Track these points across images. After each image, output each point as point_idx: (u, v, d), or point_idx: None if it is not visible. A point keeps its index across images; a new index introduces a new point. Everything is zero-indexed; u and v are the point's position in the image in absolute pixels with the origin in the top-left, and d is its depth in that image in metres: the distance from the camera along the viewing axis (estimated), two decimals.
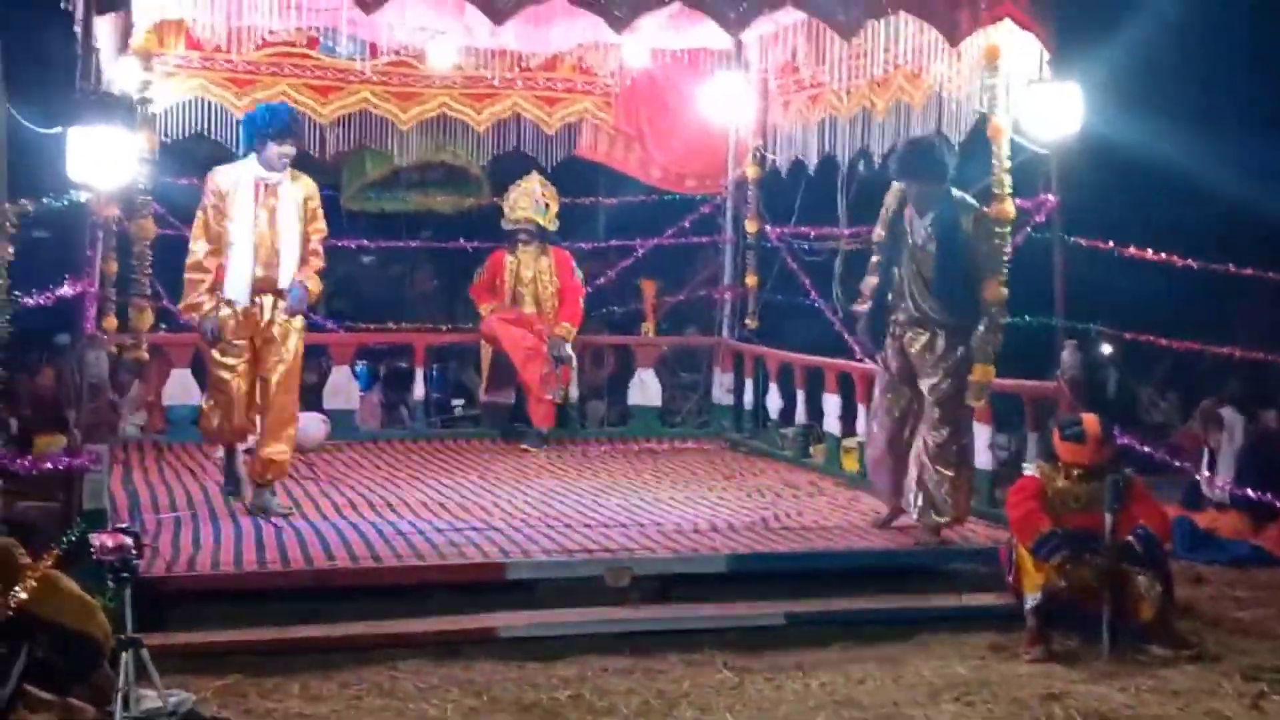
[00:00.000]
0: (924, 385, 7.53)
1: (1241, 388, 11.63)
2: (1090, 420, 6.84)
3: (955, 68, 8.41)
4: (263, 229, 7.72)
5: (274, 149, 7.69)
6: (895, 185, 7.67)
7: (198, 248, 7.72)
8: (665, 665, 6.22)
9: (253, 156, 7.77)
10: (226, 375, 7.80)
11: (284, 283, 7.78)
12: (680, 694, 5.87)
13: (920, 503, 7.55)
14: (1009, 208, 7.84)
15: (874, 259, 7.78)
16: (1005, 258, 7.57)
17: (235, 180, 7.74)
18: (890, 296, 7.63)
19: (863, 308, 7.83)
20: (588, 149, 11.48)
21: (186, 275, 7.74)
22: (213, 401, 7.94)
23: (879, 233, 7.75)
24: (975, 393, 7.58)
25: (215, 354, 7.79)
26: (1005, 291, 7.56)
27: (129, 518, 7.42)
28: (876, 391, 7.85)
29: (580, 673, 6.10)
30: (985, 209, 7.54)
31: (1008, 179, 7.90)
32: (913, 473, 7.59)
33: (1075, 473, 6.76)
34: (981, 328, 7.51)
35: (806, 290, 10.54)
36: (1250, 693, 5.94)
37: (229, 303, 7.71)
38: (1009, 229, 7.76)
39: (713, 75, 10.88)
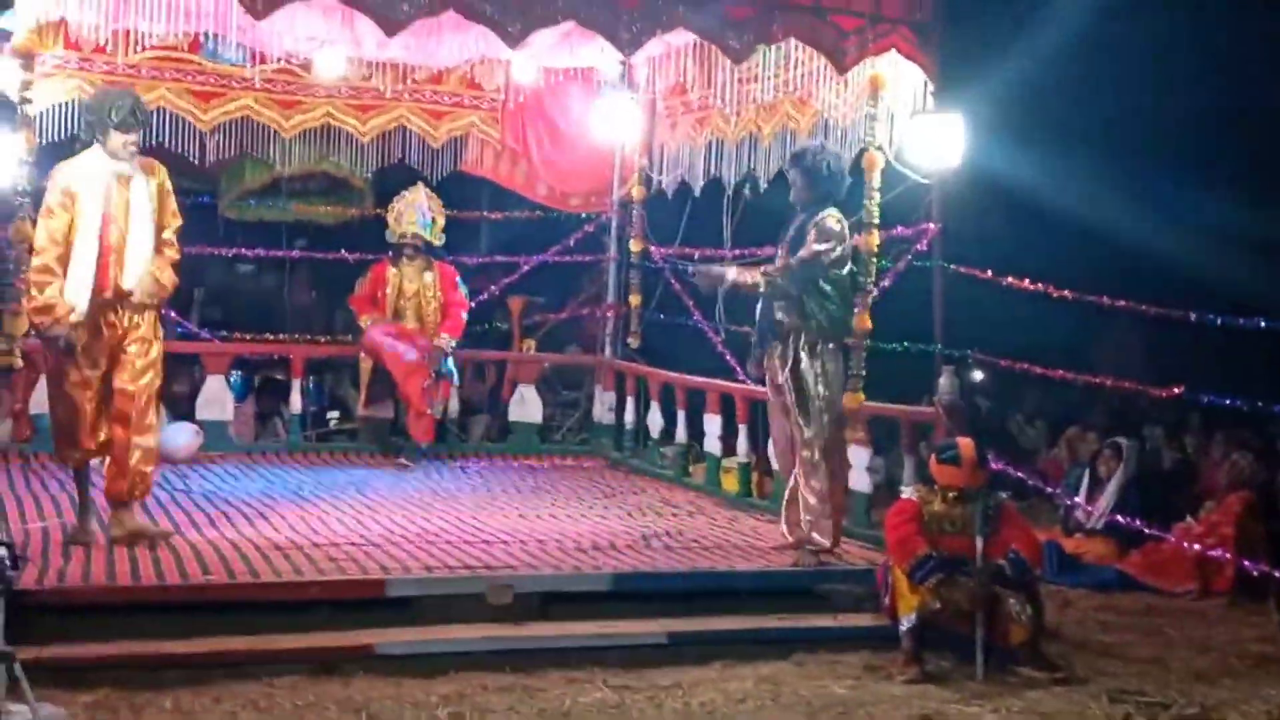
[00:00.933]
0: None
1: (1106, 417, 11.97)
2: (965, 444, 6.97)
3: (842, 96, 8.57)
4: (116, 227, 7.11)
5: (118, 138, 7.09)
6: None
7: (47, 250, 6.98)
8: (546, 683, 6.21)
9: (96, 148, 7.16)
10: (78, 389, 7.16)
11: (132, 284, 7.16)
12: (561, 712, 5.86)
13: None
14: (874, 239, 8.17)
15: None
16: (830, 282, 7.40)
17: (84, 175, 7.09)
18: None
19: None
20: (474, 164, 11.47)
21: (34, 278, 7.00)
22: (61, 418, 7.25)
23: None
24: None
25: (68, 366, 7.14)
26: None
27: None
28: None
29: (460, 690, 6.06)
30: (830, 226, 7.33)
31: (876, 210, 8.18)
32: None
33: (950, 495, 6.88)
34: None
35: (690, 311, 10.61)
36: (1117, 715, 6.09)
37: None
38: (873, 260, 8.10)
39: (601, 94, 10.92)
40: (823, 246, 7.28)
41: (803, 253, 7.31)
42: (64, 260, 7.01)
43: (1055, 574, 9.03)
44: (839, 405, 7.59)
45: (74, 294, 7.01)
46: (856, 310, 8.04)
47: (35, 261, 7.03)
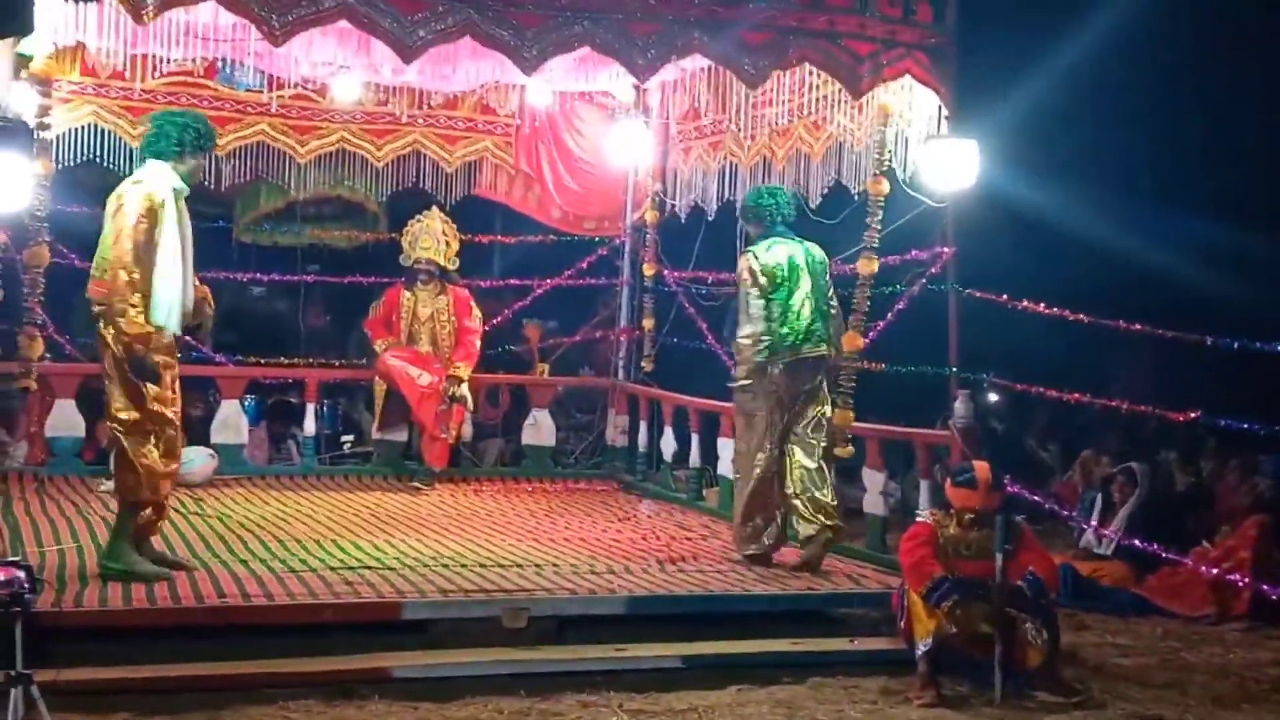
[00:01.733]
0: None
1: (1120, 441, 11.94)
2: (981, 467, 6.97)
3: (857, 120, 8.62)
4: (187, 249, 6.94)
5: (196, 162, 7.01)
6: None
7: (137, 270, 6.71)
8: (561, 707, 6.21)
9: (168, 166, 6.96)
10: (169, 413, 6.97)
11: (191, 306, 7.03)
12: None
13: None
14: (873, 265, 8.38)
15: None
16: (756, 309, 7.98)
17: (165, 195, 6.85)
18: None
19: None
20: (487, 188, 11.52)
21: (130, 300, 6.69)
22: (153, 447, 6.93)
23: None
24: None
25: (154, 390, 6.87)
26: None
27: (11, 551, 7.24)
28: None
29: (475, 714, 6.07)
30: (750, 259, 8.03)
31: (876, 236, 8.32)
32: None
33: (966, 518, 6.87)
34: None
35: (703, 334, 10.61)
36: None
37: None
38: (869, 285, 8.37)
39: (615, 119, 10.95)
40: (740, 284, 8.09)
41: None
42: (148, 281, 6.79)
43: (1071, 598, 8.99)
44: (748, 419, 8.03)
45: (168, 317, 6.83)
46: (846, 331, 8.33)
47: (127, 279, 6.70)
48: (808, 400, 7.96)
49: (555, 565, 7.73)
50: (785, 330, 7.90)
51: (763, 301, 7.92)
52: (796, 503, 7.91)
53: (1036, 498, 8.64)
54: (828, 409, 8.05)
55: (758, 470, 7.96)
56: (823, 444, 7.96)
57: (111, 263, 6.73)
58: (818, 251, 8.14)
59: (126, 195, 6.82)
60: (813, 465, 7.91)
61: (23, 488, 9.43)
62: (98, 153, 9.89)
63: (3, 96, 7.92)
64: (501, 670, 6.52)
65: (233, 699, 6.03)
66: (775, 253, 8.01)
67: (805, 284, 7.98)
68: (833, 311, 8.16)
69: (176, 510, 8.92)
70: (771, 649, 7.06)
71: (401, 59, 7.55)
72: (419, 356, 10.52)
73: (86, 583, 6.79)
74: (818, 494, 7.86)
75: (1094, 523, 9.70)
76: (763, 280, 7.92)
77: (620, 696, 6.37)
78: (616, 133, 10.94)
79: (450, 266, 10.77)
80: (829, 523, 7.84)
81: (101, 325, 6.87)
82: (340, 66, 9.69)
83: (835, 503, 7.94)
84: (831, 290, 8.17)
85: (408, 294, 10.72)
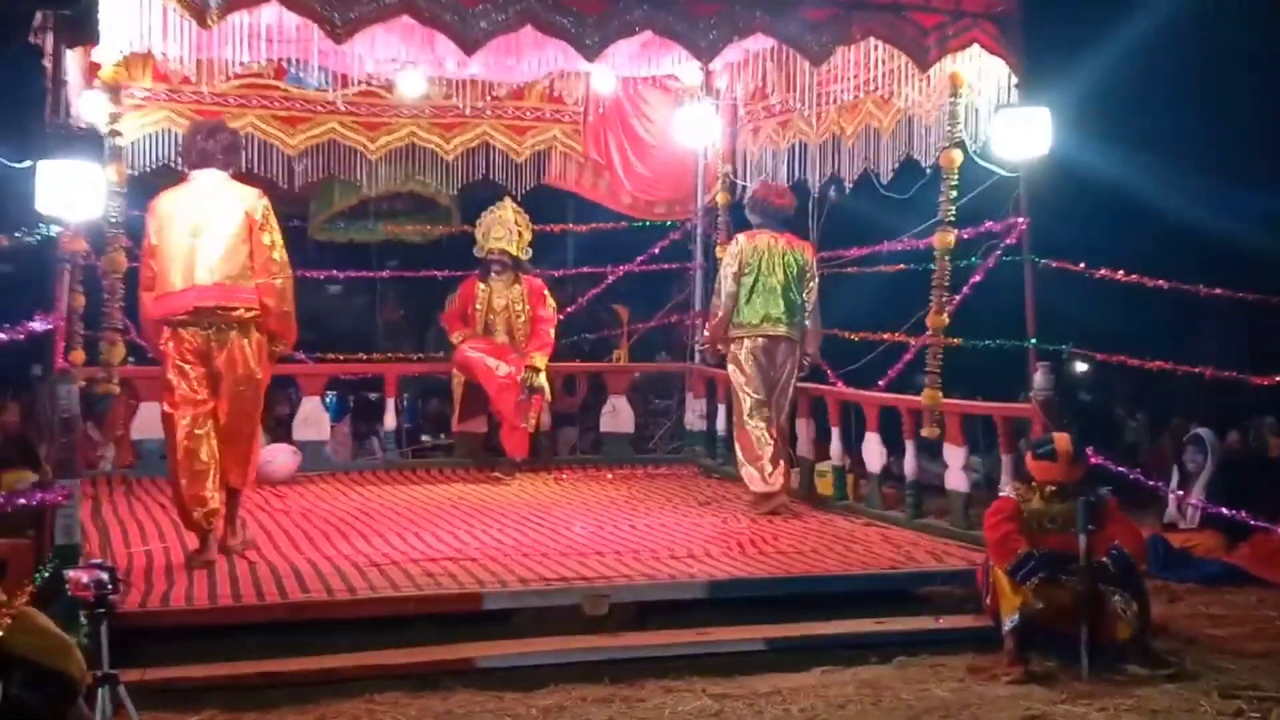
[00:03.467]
0: None
1: (1208, 408, 11.74)
2: (1061, 439, 6.88)
3: (924, 93, 8.52)
4: None
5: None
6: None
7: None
8: (644, 693, 6.20)
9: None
10: None
11: None
12: None
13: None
14: (949, 238, 8.29)
15: None
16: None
17: None
18: None
19: None
20: (557, 177, 11.53)
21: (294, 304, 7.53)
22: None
23: None
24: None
25: None
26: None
27: (100, 553, 7.36)
28: None
29: (559, 702, 6.06)
30: (734, 245, 9.37)
31: (951, 209, 8.23)
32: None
33: (1049, 491, 6.78)
34: None
35: None
36: (1228, 710, 5.95)
37: None
38: (948, 258, 8.35)
39: (681, 102, 10.91)
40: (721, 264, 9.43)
41: None
42: None
43: (1162, 569, 8.86)
44: (737, 385, 9.27)
45: None
46: (931, 308, 8.43)
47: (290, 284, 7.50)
48: (780, 373, 9.19)
49: (635, 551, 7.72)
50: (747, 309, 9.12)
51: (734, 283, 9.14)
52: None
53: (1122, 469, 8.49)
54: (792, 387, 9.29)
55: (748, 426, 9.16)
56: (785, 412, 9.30)
57: (284, 272, 7.36)
58: (801, 251, 9.31)
59: (263, 203, 7.34)
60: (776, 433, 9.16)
61: (111, 490, 9.58)
62: (172, 157, 9.99)
63: (75, 105, 8.04)
64: (584, 658, 6.51)
65: (319, 693, 6.08)
66: (756, 243, 9.21)
67: (778, 274, 9.15)
68: (807, 306, 9.27)
69: (260, 507, 9.07)
70: (855, 629, 6.99)
71: (464, 51, 7.55)
72: (496, 347, 10.56)
73: (173, 582, 6.88)
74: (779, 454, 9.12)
75: (1178, 492, 9.54)
76: (734, 266, 9.18)
77: (703, 681, 6.35)
78: (684, 116, 10.89)
79: (523, 256, 10.79)
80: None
81: (247, 330, 7.29)
82: (405, 62, 9.71)
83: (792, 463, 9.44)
84: (811, 286, 9.30)
85: (482, 285, 10.75)
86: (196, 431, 7.25)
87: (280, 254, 7.33)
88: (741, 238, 9.37)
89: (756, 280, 9.15)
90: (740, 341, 9.23)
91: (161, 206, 7.35)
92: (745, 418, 9.18)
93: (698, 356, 11.40)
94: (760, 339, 9.17)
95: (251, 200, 7.32)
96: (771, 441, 9.13)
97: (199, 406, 7.26)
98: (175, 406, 7.28)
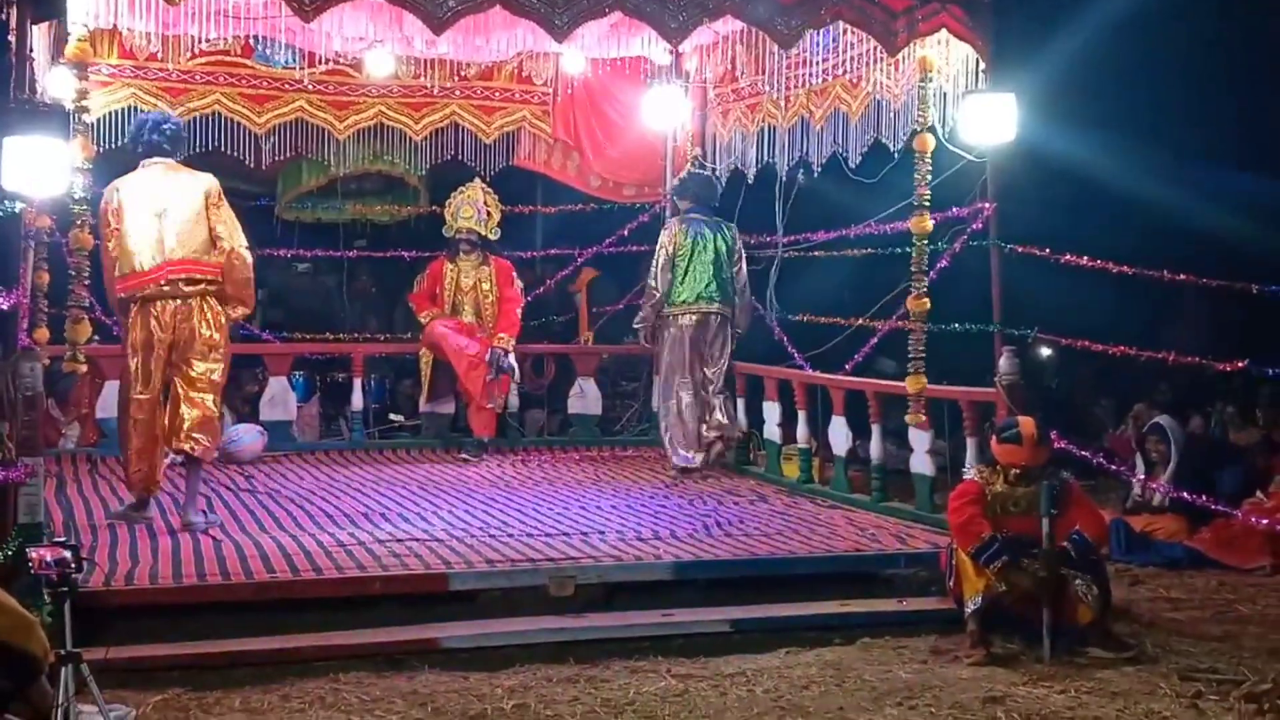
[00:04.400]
0: None
1: (1172, 393, 11.82)
2: (1026, 422, 6.93)
3: (893, 77, 8.54)
4: None
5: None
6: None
7: None
8: (609, 674, 6.22)
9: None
10: None
11: None
12: (625, 702, 5.86)
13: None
14: (926, 223, 8.27)
15: None
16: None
17: None
18: None
19: None
20: (526, 158, 11.51)
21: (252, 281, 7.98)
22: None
23: None
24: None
25: None
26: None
27: (64, 531, 7.33)
28: None
29: (524, 682, 6.08)
30: (670, 233, 10.11)
31: (927, 193, 8.22)
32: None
33: (1013, 474, 6.83)
34: None
35: None
36: (1188, 693, 5.99)
37: None
38: (925, 242, 8.28)
39: (651, 84, 10.89)
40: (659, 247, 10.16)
41: None
42: None
43: (1124, 552, 8.94)
44: (666, 363, 10.03)
45: None
46: (910, 293, 8.36)
47: (249, 259, 7.98)
48: (712, 347, 9.91)
49: (601, 533, 7.74)
50: (682, 288, 9.86)
51: (669, 270, 9.94)
52: (701, 425, 9.87)
53: (1086, 453, 8.56)
54: (725, 361, 9.97)
55: (674, 400, 9.90)
56: (721, 381, 9.97)
57: (242, 243, 7.85)
58: (729, 233, 10.06)
59: (215, 184, 7.85)
60: (716, 401, 9.89)
61: (76, 468, 9.54)
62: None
63: (41, 81, 7.97)
64: (549, 639, 6.53)
65: (284, 672, 6.07)
66: (689, 230, 9.99)
67: (708, 256, 9.90)
68: (737, 284, 10.01)
69: (226, 487, 9.05)
70: (819, 611, 7.03)
71: (432, 30, 7.51)
72: (464, 326, 10.56)
73: (137, 561, 6.85)
74: (717, 416, 9.89)
75: (1140, 477, 9.61)
76: (669, 251, 9.97)
77: (668, 662, 6.38)
78: (653, 98, 10.87)
79: (492, 237, 10.77)
80: (717, 434, 9.91)
81: (209, 301, 7.77)
82: (373, 40, 9.68)
83: (726, 420, 9.97)
84: (740, 266, 10.05)
85: (450, 265, 10.74)
86: (149, 405, 7.71)
87: (238, 228, 7.88)
88: (674, 224, 10.10)
89: (690, 261, 9.90)
90: (675, 319, 9.93)
91: (121, 193, 7.79)
92: (676, 392, 9.86)
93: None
94: (694, 315, 9.88)
95: (206, 183, 7.85)
96: (695, 418, 9.83)
97: (152, 384, 7.72)
98: (133, 380, 7.70)
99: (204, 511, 7.96)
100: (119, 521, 7.75)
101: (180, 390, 7.75)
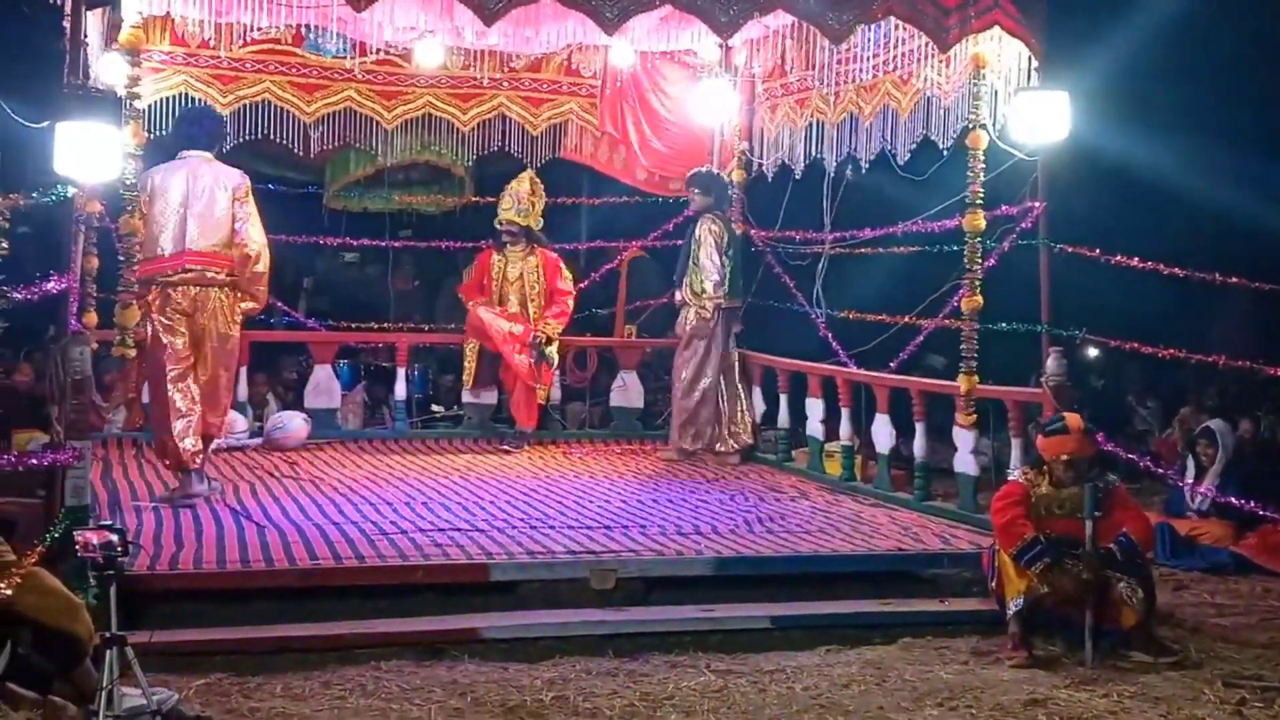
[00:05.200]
0: None
1: (1220, 396, 11.70)
2: (1072, 416, 6.89)
3: (944, 74, 8.48)
4: None
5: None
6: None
7: None
8: (649, 668, 6.22)
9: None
10: None
11: None
12: (664, 696, 5.86)
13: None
14: (979, 220, 8.20)
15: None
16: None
17: None
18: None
19: None
20: (573, 150, 11.52)
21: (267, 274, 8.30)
22: None
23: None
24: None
25: None
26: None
27: (110, 514, 7.39)
28: None
29: (564, 674, 6.09)
30: (718, 226, 10.29)
31: (980, 191, 8.16)
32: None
33: (1059, 471, 6.75)
34: None
35: (791, 295, 10.53)
36: (1231, 699, 5.95)
37: None
38: (979, 240, 8.19)
39: (699, 78, 10.87)
40: (703, 244, 10.26)
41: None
42: None
43: (1168, 557, 8.86)
44: (697, 350, 10.31)
45: None
46: (963, 291, 8.31)
47: (267, 255, 8.34)
48: (730, 338, 10.34)
49: (643, 526, 7.74)
50: (732, 283, 10.23)
51: (723, 260, 10.13)
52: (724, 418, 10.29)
53: (1132, 456, 8.48)
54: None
55: (703, 389, 10.22)
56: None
57: (258, 240, 8.15)
58: (738, 227, 10.53)
59: (245, 181, 8.18)
60: (738, 390, 10.37)
61: (121, 453, 9.62)
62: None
63: (94, 67, 8.03)
64: (589, 631, 6.55)
65: (326, 659, 6.11)
66: (724, 223, 10.30)
67: (735, 252, 10.28)
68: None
69: (270, 474, 9.10)
70: (860, 609, 7.02)
71: (483, 22, 7.55)
72: (509, 315, 10.57)
73: (182, 546, 6.90)
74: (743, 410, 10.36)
75: (1189, 481, 9.51)
76: (724, 244, 10.15)
77: (708, 657, 6.38)
78: (701, 92, 10.84)
79: (535, 226, 10.76)
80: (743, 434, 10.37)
81: (224, 292, 8.11)
82: (423, 31, 9.70)
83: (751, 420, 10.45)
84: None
85: (498, 256, 10.76)
86: (181, 384, 8.03)
87: (257, 226, 8.18)
88: (710, 218, 10.30)
89: (733, 256, 10.29)
90: (718, 313, 10.23)
91: (154, 180, 8.04)
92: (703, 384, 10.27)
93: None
94: (734, 309, 10.38)
95: (235, 179, 8.18)
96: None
97: (183, 361, 8.04)
98: (164, 360, 8.00)
99: (210, 479, 8.31)
100: (164, 505, 7.87)
101: (197, 373, 8.12)
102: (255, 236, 8.14)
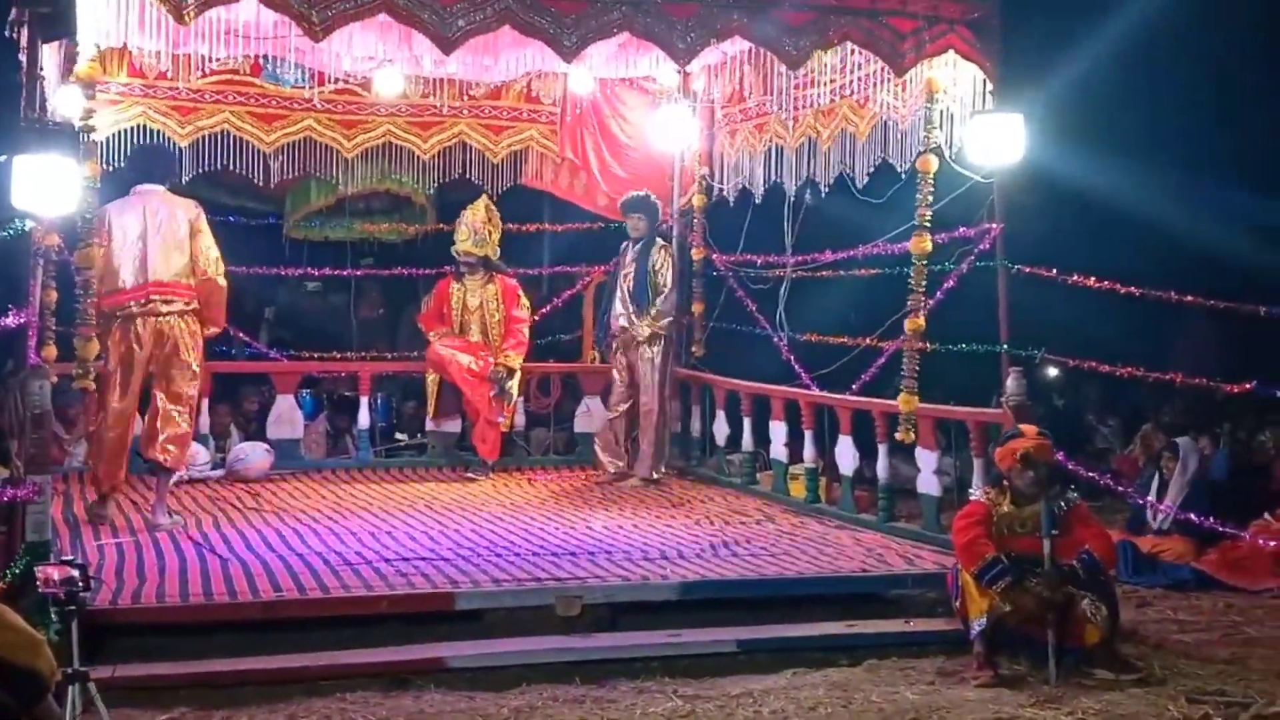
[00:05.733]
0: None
1: (1185, 414, 11.79)
2: (1027, 426, 6.97)
3: (900, 98, 8.55)
4: None
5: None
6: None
7: None
8: (616, 694, 6.21)
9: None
10: None
11: None
12: None
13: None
14: (926, 243, 8.27)
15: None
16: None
17: None
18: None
19: None
20: (534, 176, 11.54)
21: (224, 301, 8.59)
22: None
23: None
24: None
25: None
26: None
27: (71, 549, 7.34)
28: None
29: (531, 702, 6.07)
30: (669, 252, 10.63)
31: (927, 214, 8.23)
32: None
33: (1017, 476, 6.76)
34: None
35: (753, 318, 10.57)
36: (1195, 715, 5.98)
37: None
38: (924, 262, 8.30)
39: (659, 104, 10.92)
40: (662, 270, 10.54)
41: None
42: None
43: (1131, 574, 8.92)
44: (667, 370, 10.63)
45: None
46: (908, 313, 8.41)
47: (223, 282, 8.59)
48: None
49: (608, 552, 7.74)
50: (679, 305, 10.65)
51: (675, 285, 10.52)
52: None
53: (1093, 474, 8.54)
54: None
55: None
56: None
57: (216, 266, 8.43)
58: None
59: (199, 211, 8.49)
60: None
61: (83, 486, 9.54)
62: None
63: (51, 100, 8.00)
64: (556, 658, 6.53)
65: (291, 692, 6.08)
66: (669, 249, 10.59)
67: None
68: None
69: (233, 505, 9.06)
70: (826, 631, 7.02)
71: (441, 50, 7.55)
72: (469, 345, 10.57)
73: (144, 580, 6.86)
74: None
75: (1151, 499, 9.59)
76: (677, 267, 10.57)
77: (675, 682, 6.37)
78: (661, 117, 10.87)
79: (492, 255, 10.76)
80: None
81: (186, 320, 8.35)
82: (382, 60, 9.70)
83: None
84: None
85: (457, 285, 10.76)
86: (125, 416, 8.32)
87: (215, 254, 8.46)
88: (662, 245, 10.64)
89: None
90: (672, 333, 10.65)
91: (111, 215, 8.26)
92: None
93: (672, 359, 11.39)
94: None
95: (192, 210, 8.46)
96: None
97: (129, 396, 8.29)
98: (109, 391, 8.21)
99: (171, 512, 8.45)
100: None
101: (160, 404, 8.32)
102: (216, 265, 8.41)
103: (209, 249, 8.41)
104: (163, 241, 8.27)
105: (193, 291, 8.35)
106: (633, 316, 10.53)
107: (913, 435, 8.35)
